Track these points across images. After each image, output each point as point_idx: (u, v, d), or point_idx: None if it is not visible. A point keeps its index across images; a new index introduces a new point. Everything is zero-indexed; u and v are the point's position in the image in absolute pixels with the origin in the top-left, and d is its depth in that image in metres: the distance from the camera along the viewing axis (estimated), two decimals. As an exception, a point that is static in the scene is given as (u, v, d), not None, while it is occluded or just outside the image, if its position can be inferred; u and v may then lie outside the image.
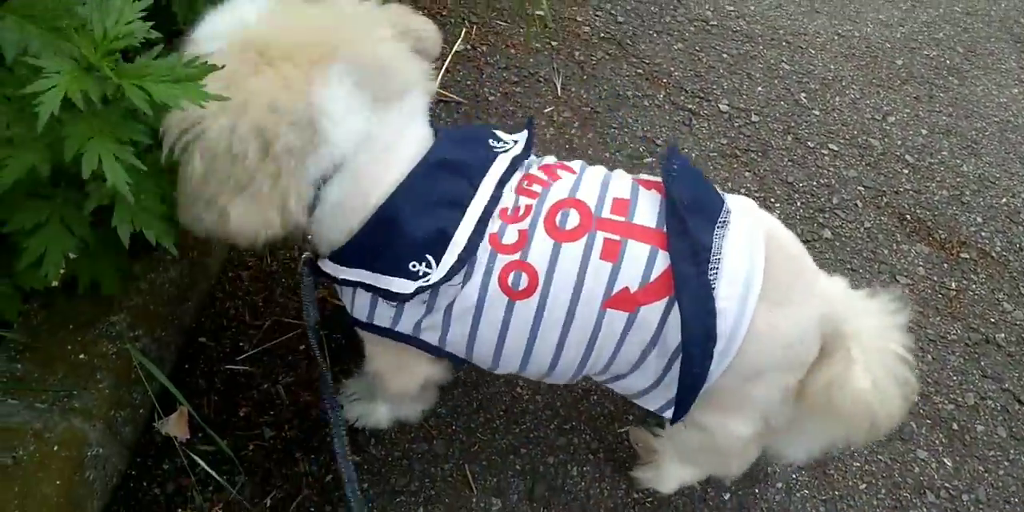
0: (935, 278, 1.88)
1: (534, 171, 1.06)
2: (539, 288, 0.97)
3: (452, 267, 0.95)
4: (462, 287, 0.98)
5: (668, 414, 1.06)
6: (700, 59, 2.30)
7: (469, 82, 2.06)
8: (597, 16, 2.36)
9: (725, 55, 2.33)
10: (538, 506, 1.33)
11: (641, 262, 0.96)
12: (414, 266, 0.95)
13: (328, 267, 1.01)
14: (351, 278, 0.99)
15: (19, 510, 1.01)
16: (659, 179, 1.05)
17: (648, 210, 1.01)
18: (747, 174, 2.00)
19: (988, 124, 2.37)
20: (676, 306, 0.94)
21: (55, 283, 1.02)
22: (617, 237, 0.97)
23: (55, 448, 1.06)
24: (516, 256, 0.97)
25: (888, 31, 2.66)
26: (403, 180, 0.97)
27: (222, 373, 1.36)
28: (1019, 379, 1.71)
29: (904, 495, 1.47)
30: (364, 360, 1.19)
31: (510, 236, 0.98)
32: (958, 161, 2.22)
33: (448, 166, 1.00)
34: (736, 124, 2.12)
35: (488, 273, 0.97)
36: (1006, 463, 1.55)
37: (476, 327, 1.02)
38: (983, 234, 2.02)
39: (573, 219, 0.99)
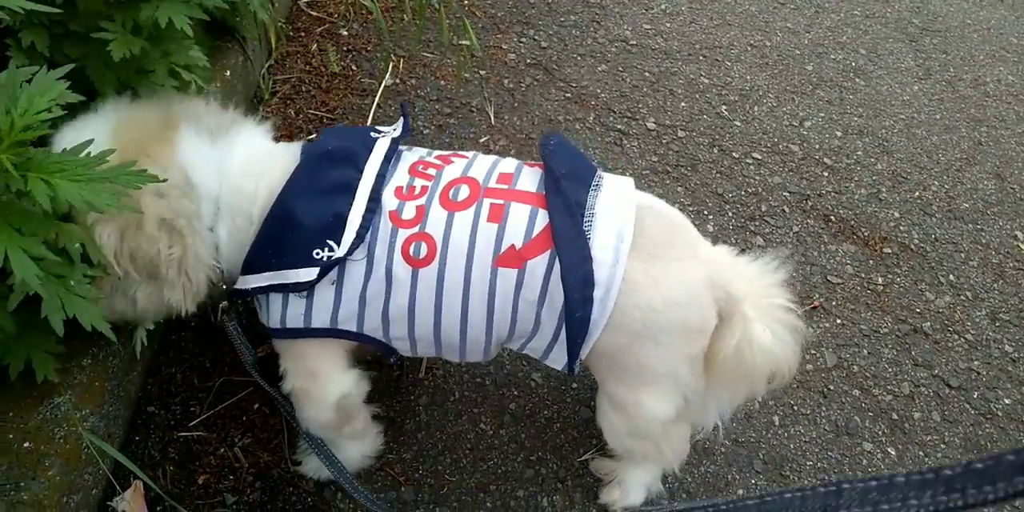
0: (863, 275, 2.00)
1: (429, 159, 1.17)
2: (437, 254, 1.06)
3: (352, 244, 1.04)
4: (369, 265, 1.06)
5: (556, 360, 1.16)
6: (624, 79, 2.38)
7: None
8: (522, 42, 2.42)
9: (647, 73, 2.42)
10: (515, 539, 1.37)
11: (523, 220, 1.07)
12: (317, 253, 1.04)
13: (241, 284, 1.09)
14: (262, 284, 1.07)
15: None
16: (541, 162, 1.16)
17: (530, 180, 1.13)
18: (679, 189, 2.08)
19: (896, 122, 2.52)
20: (556, 259, 1.04)
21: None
22: (501, 201, 1.08)
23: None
24: (415, 229, 1.07)
25: (796, 38, 2.80)
26: (289, 178, 1.08)
27: (175, 441, 1.35)
28: (947, 364, 1.83)
29: (855, 487, 1.56)
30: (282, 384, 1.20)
31: (408, 212, 1.08)
32: (872, 159, 2.36)
33: (331, 156, 1.11)
34: (664, 141, 2.21)
35: (391, 247, 1.06)
36: (943, 446, 1.67)
37: (388, 301, 1.09)
38: (901, 228, 2.16)
39: (464, 192, 1.10)
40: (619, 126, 2.21)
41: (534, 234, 1.06)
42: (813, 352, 1.78)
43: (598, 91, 2.30)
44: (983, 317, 1.95)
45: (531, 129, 2.13)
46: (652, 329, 1.09)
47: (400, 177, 1.12)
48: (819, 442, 1.61)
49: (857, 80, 2.68)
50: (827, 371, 1.75)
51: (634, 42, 2.53)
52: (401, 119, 1.22)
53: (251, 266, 1.08)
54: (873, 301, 1.94)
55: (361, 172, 1.09)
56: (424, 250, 1.06)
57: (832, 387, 1.72)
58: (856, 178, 2.28)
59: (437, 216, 1.07)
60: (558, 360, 1.16)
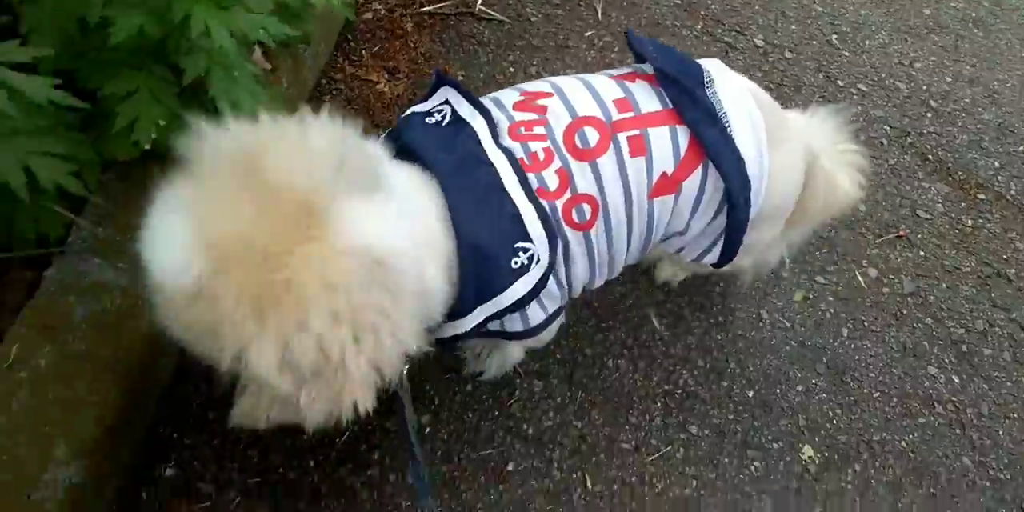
0: (952, 215, 1.95)
1: (517, 115, 1.03)
2: (600, 210, 1.01)
3: (546, 233, 0.94)
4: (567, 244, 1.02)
5: (708, 259, 1.19)
6: (737, -5, 2.32)
7: (511, 2, 2.08)
8: (638, -53, 2.37)
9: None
10: (576, 389, 1.42)
11: (667, 144, 1.02)
12: (515, 263, 0.94)
13: (451, 330, 0.97)
14: (479, 321, 0.96)
15: (112, 354, 1.08)
16: (627, 70, 1.11)
17: (647, 98, 1.05)
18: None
19: (1010, 76, 2.42)
20: (709, 171, 1.04)
21: (147, 147, 1.06)
22: (636, 131, 1.01)
23: (139, 302, 1.12)
24: (568, 195, 0.99)
25: (919, -19, 2.68)
26: (450, 208, 0.91)
27: None
28: (1025, 310, 1.80)
29: (913, 405, 1.57)
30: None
31: (552, 181, 0.98)
32: (979, 109, 2.27)
33: (459, 164, 0.95)
34: (770, 59, 2.16)
35: (557, 222, 0.99)
36: (1009, 384, 1.65)
37: (570, 271, 1.05)
38: (999, 178, 2.09)
39: (592, 136, 1.00)
40: (726, 39, 2.17)
41: (682, 154, 1.03)
42: (892, 277, 1.76)
43: (708, 2, 2.26)
44: (1071, 271, 1.90)
45: (637, 29, 2.10)
46: (777, 211, 1.13)
47: (515, 150, 0.98)
48: (884, 359, 1.62)
49: (975, 30, 2.56)
50: (903, 296, 1.73)
51: (752, -39, 2.46)
52: (444, 90, 1.04)
53: (463, 312, 0.95)
54: (959, 241, 1.90)
55: (492, 165, 0.95)
56: (587, 211, 1.01)
57: (905, 312, 1.71)
58: (960, 124, 2.20)
59: (581, 172, 0.99)
60: (691, 253, 1.21)
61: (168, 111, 1.09)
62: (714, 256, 1.17)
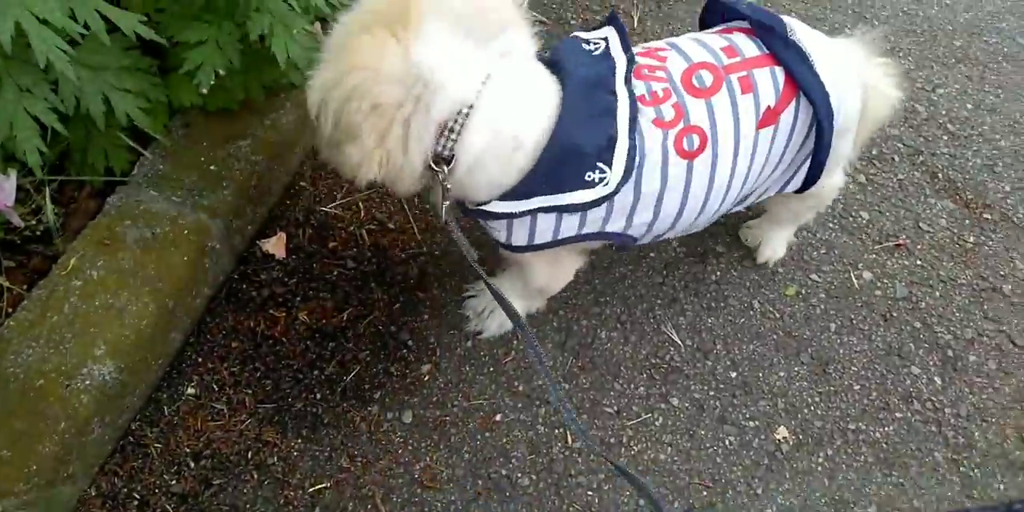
0: (954, 230, 2.02)
1: (641, 60, 1.19)
2: (709, 139, 1.18)
3: (627, 165, 1.09)
4: (639, 178, 1.15)
5: (790, 188, 1.38)
6: (767, 14, 2.44)
7: (554, 5, 2.24)
8: (676, -36, 2.51)
9: (794, 15, 2.47)
10: (568, 355, 1.53)
11: (768, 81, 1.21)
12: (589, 176, 1.09)
13: (501, 207, 1.12)
14: (532, 207, 1.11)
15: (156, 273, 1.23)
16: (722, 27, 1.31)
17: (747, 45, 1.25)
18: (795, 119, 2.15)
19: (1033, 108, 2.47)
20: (800, 104, 1.22)
21: (204, 91, 1.23)
22: (744, 72, 1.21)
23: (185, 232, 1.28)
24: (681, 125, 1.15)
25: (952, 15, 2.76)
26: (563, 107, 1.07)
27: (317, 213, 1.58)
28: (1017, 325, 1.85)
29: (892, 400, 1.64)
30: (523, 285, 1.41)
31: (668, 113, 1.15)
32: (997, 136, 2.33)
33: (590, 83, 1.10)
34: (792, 75, 2.27)
35: (665, 149, 1.15)
36: (990, 390, 1.71)
37: (660, 201, 1.19)
38: (1009, 202, 2.15)
39: (707, 77, 1.19)
40: (751, 53, 2.28)
41: (780, 89, 1.21)
42: (886, 281, 1.84)
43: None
44: (1069, 293, 1.95)
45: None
46: (850, 126, 1.31)
47: (638, 88, 1.14)
48: (868, 355, 1.69)
49: (1005, 64, 2.62)
50: (895, 300, 1.81)
51: (786, -15, 2.58)
52: (608, 27, 1.20)
53: (523, 194, 1.10)
54: (958, 254, 1.96)
55: (615, 95, 1.11)
56: (696, 141, 1.16)
57: (895, 314, 1.78)
58: (975, 148, 2.27)
59: (696, 107, 1.16)
60: (775, 188, 1.38)
61: (228, 61, 1.25)
62: (796, 183, 1.36)
